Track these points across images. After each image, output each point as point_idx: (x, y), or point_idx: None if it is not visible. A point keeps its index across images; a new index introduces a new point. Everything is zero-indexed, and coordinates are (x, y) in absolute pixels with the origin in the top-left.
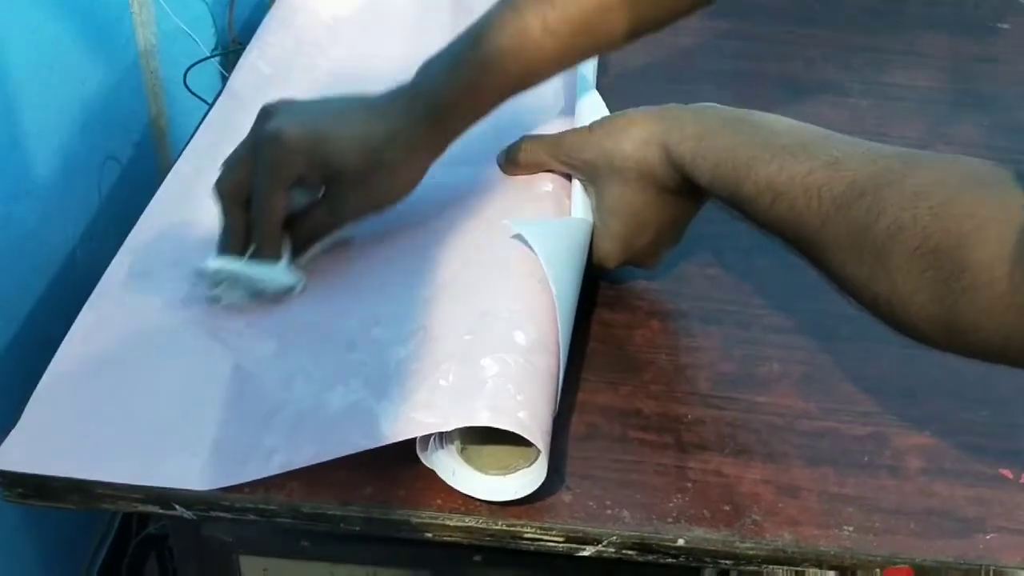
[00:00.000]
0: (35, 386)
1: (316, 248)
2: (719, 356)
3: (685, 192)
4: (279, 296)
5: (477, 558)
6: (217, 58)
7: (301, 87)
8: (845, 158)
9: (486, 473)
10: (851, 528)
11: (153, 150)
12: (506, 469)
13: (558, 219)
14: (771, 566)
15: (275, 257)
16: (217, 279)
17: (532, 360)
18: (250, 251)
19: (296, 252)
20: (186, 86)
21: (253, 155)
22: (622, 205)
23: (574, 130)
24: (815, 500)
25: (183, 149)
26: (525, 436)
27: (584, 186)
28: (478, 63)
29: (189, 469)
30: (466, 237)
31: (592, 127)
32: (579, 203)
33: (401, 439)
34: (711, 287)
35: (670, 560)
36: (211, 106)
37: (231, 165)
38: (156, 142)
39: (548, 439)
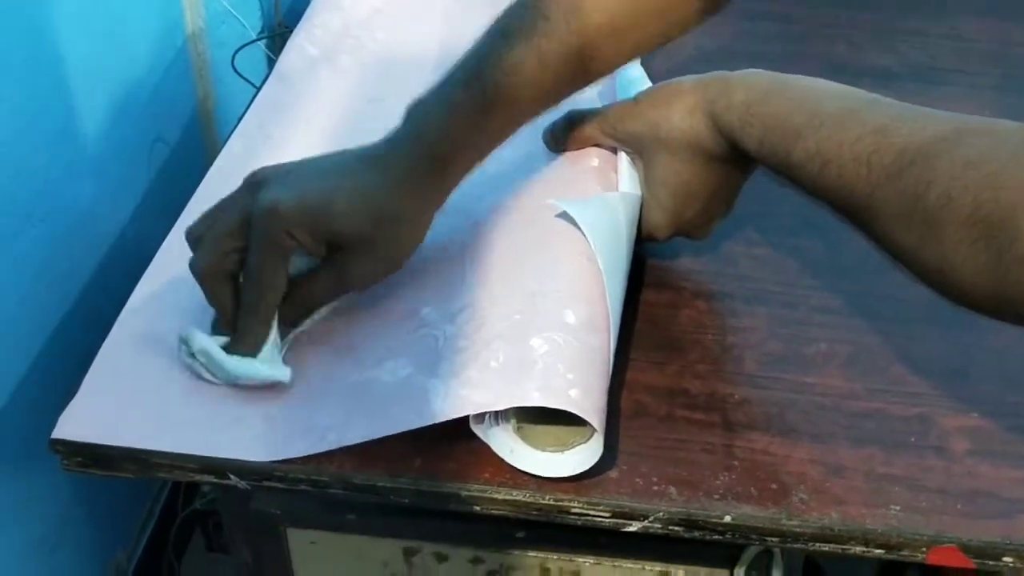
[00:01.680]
0: (87, 360)
1: (318, 314)
2: (765, 336)
3: (733, 160)
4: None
5: (520, 534)
6: (263, 41)
7: (348, 69)
8: (895, 124)
9: (543, 450)
10: (897, 507)
11: (200, 132)
12: (563, 446)
13: (604, 195)
14: (817, 544)
15: (254, 351)
16: (198, 357)
17: (582, 338)
18: (230, 339)
19: (297, 320)
20: (234, 68)
21: (242, 230)
22: (670, 176)
23: (619, 103)
24: (862, 480)
25: (232, 130)
26: (577, 414)
27: (631, 159)
28: (476, 105)
29: (242, 441)
30: (512, 217)
31: (637, 98)
32: (626, 176)
33: (453, 417)
34: (756, 267)
35: (716, 537)
36: (259, 88)
37: (209, 244)
38: (203, 124)
39: (602, 415)
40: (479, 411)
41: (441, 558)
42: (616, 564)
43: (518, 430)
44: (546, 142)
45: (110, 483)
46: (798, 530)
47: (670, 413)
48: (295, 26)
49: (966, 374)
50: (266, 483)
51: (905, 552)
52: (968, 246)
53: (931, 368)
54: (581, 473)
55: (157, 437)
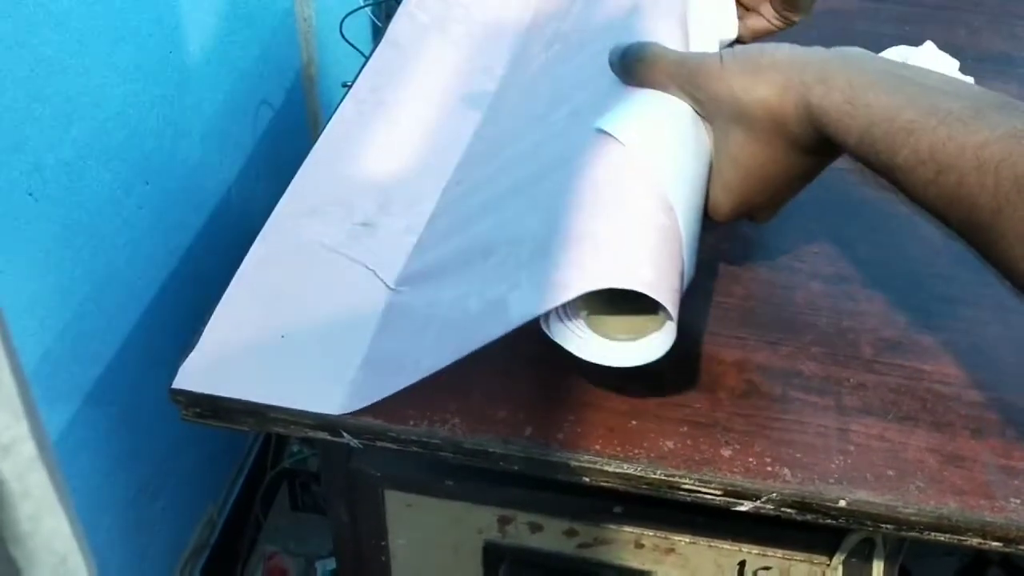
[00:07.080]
0: (193, 313)
1: None
2: (882, 322)
3: (820, 150)
4: None
5: (617, 509)
6: (369, 8)
7: (458, 37)
8: None
9: (613, 339)
10: (1018, 501)
11: (303, 96)
12: (636, 335)
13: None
14: (933, 533)
15: None
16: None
17: (654, 221)
18: None
19: None
20: (342, 35)
21: None
22: (743, 155)
23: (703, 56)
24: (981, 471)
25: (344, 95)
26: (647, 293)
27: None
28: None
29: (343, 392)
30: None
31: (725, 59)
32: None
33: (528, 319)
34: (874, 251)
35: (828, 521)
36: (370, 54)
37: None
38: (306, 88)
39: (676, 297)
40: (552, 306)
41: (535, 528)
42: (712, 544)
43: (588, 320)
44: (612, 64)
45: (204, 439)
46: (914, 518)
47: (784, 394)
48: None
49: None
50: (379, 443)
51: None
52: None
53: None
54: (693, 450)
55: (271, 390)
